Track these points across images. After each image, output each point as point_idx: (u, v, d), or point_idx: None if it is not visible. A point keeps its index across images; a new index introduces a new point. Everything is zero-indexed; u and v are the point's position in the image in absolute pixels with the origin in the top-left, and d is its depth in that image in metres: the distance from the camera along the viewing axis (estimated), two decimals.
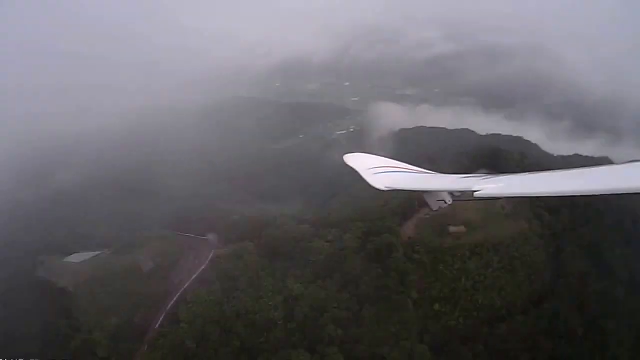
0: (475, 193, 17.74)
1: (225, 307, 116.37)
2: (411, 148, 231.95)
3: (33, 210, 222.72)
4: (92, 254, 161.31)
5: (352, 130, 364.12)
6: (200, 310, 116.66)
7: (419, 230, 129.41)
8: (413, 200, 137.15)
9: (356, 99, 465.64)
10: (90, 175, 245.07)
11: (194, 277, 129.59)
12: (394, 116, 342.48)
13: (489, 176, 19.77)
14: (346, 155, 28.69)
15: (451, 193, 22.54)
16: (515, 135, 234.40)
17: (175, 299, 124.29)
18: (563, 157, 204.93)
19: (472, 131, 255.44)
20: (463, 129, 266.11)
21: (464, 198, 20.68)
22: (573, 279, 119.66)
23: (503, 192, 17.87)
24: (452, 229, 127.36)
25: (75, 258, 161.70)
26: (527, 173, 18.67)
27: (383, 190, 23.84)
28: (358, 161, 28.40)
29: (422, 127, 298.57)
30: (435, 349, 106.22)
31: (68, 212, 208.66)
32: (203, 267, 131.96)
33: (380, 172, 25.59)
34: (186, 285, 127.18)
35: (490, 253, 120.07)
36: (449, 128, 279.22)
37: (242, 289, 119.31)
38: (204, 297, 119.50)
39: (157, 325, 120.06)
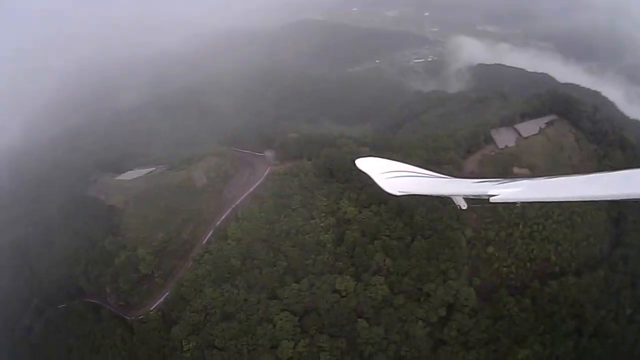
0: (491, 198, 18.34)
1: (276, 225, 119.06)
2: (487, 83, 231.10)
3: (89, 130, 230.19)
4: (145, 170, 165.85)
5: (430, 59, 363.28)
6: (250, 227, 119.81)
7: (482, 166, 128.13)
8: (479, 135, 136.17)
9: (435, 29, 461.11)
10: (151, 95, 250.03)
11: (247, 193, 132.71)
12: (473, 51, 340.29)
13: (504, 180, 20.33)
14: (358, 159, 29.49)
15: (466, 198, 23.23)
16: (593, 89, 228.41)
17: (225, 215, 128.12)
18: (637, 121, 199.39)
19: (551, 77, 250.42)
20: (542, 73, 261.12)
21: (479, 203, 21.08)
22: (631, 251, 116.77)
23: (519, 197, 18.51)
24: (515, 170, 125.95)
25: (128, 175, 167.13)
26: (543, 177, 19.19)
27: (396, 195, 24.68)
28: (370, 165, 29.44)
29: (500, 65, 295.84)
30: (482, 294, 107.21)
31: (125, 131, 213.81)
32: (257, 184, 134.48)
33: (393, 176, 26.46)
34: (238, 202, 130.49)
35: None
36: (527, 70, 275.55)
37: (295, 207, 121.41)
38: (255, 214, 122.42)
39: (204, 241, 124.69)
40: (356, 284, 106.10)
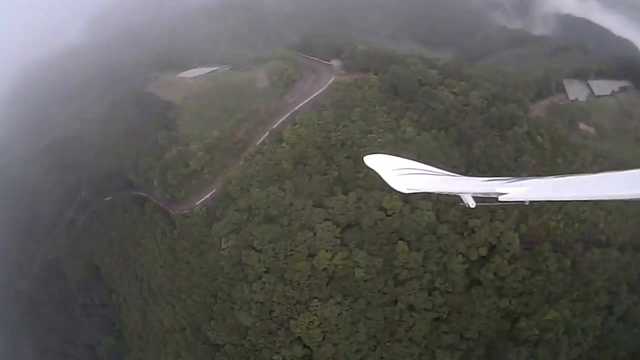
0: (499, 197, 19.33)
1: (332, 134, 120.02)
2: (571, 35, 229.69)
3: (153, 29, 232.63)
4: (208, 69, 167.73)
5: None
6: (306, 133, 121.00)
7: (549, 113, 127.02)
8: (551, 81, 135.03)
9: None
10: None
11: (308, 99, 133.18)
12: None
13: (512, 179, 21.06)
14: (366, 156, 30.22)
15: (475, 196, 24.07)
16: None
17: (283, 118, 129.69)
18: None
19: (635, 46, 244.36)
20: (627, 40, 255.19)
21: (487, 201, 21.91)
22: None
23: (528, 196, 18.95)
24: (581, 126, 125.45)
25: (190, 73, 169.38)
26: (553, 176, 19.95)
27: (405, 193, 25.85)
28: (379, 162, 29.89)
29: (588, 20, 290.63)
30: (525, 243, 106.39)
31: (191, 31, 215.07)
32: (320, 91, 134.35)
33: (402, 173, 27.07)
34: (298, 107, 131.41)
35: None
36: (613, 32, 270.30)
37: (354, 120, 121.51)
38: (313, 121, 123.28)
39: (258, 142, 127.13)
40: (403, 205, 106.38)
